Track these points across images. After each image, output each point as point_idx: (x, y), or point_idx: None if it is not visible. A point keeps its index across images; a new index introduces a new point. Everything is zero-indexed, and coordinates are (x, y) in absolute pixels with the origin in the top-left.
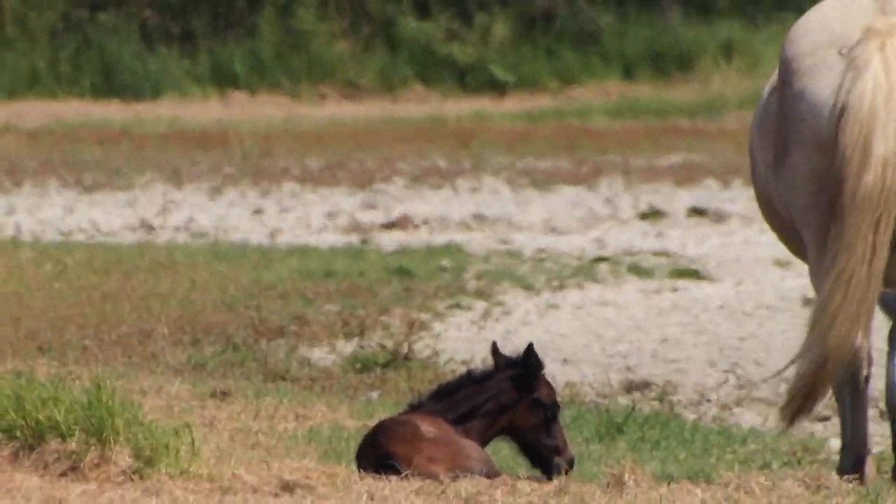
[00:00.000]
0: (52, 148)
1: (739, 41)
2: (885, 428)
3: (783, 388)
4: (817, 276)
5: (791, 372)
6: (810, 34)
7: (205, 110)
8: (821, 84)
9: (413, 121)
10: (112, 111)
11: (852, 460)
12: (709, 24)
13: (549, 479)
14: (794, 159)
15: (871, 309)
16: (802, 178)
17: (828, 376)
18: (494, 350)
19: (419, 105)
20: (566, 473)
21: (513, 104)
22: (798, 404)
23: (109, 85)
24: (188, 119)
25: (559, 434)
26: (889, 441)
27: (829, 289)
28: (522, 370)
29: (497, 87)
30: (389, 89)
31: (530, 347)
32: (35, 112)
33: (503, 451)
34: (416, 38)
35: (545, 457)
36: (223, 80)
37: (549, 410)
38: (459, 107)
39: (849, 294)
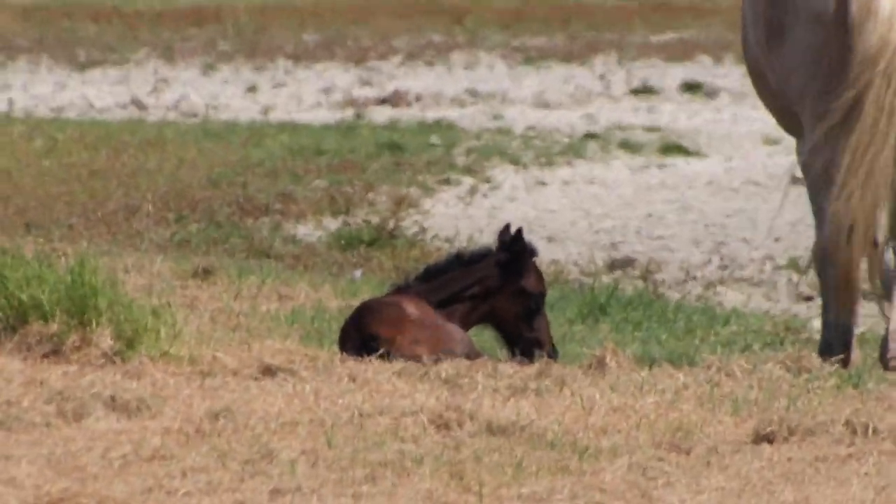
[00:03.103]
0: (45, 25)
1: None
2: (869, 308)
3: (767, 267)
4: (810, 154)
5: (775, 250)
6: None
7: None
8: None
9: None
10: None
11: (837, 342)
12: None
13: (531, 362)
14: (790, 35)
15: (890, 179)
16: (800, 53)
17: (856, 255)
18: (503, 231)
19: None
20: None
21: None
22: (842, 292)
23: None
24: None
25: (543, 326)
26: (872, 322)
27: (848, 163)
28: (510, 255)
29: None
30: None
31: (519, 232)
32: None
33: (484, 334)
34: None
35: (524, 349)
36: None
37: (533, 301)
38: None
39: (866, 165)
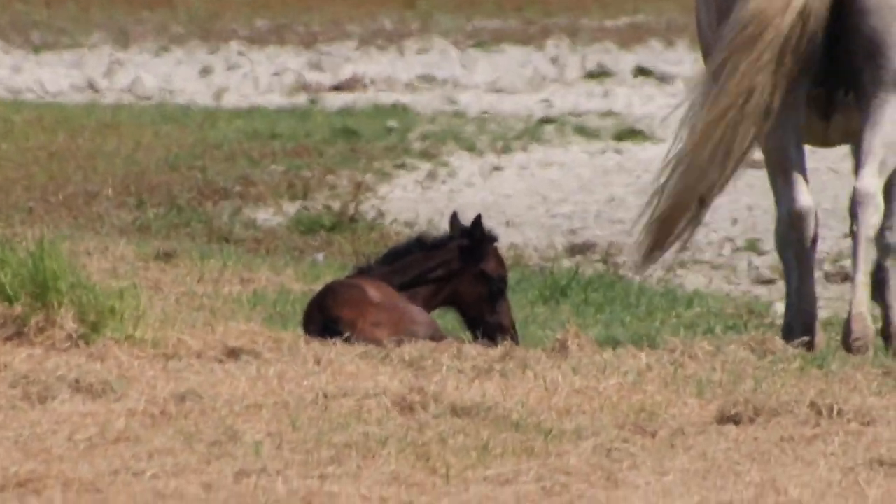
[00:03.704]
0: None
1: None
2: (831, 292)
3: (727, 250)
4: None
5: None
6: None
7: None
8: None
9: None
10: None
11: (800, 325)
12: None
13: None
14: None
15: (740, 145)
16: None
17: (683, 212)
18: (453, 218)
19: None
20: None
21: None
22: (652, 240)
23: None
24: None
25: (504, 311)
26: (834, 305)
27: (703, 122)
28: (471, 241)
29: None
30: None
31: (478, 218)
32: None
33: (447, 316)
34: None
35: (487, 333)
36: None
37: (494, 285)
38: None
39: (712, 125)
